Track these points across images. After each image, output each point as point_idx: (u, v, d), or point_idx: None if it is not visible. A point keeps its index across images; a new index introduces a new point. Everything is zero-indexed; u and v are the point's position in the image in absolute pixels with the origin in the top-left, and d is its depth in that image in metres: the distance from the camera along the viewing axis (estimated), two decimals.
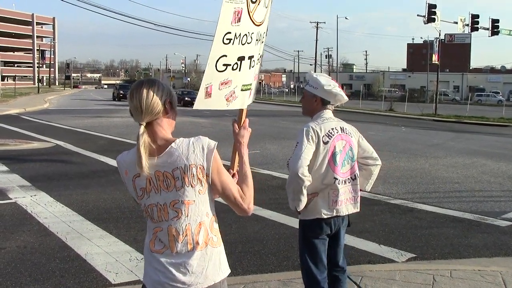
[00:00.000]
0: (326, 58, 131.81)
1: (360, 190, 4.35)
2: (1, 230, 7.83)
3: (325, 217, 4.10)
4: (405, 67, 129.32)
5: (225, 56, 3.08)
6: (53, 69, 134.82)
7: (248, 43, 3.19)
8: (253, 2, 3.15)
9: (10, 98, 56.11)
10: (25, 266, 6.36)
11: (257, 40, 3.29)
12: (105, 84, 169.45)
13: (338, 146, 4.12)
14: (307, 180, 3.92)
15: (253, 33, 3.22)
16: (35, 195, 10.15)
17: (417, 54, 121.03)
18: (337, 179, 4.10)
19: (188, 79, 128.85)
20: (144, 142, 2.58)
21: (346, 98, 4.29)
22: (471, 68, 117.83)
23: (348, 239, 7.65)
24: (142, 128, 2.61)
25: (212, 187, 2.68)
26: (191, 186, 2.60)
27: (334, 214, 4.13)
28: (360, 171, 4.38)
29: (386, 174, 13.60)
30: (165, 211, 2.63)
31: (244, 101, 3.32)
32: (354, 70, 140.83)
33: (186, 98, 55.36)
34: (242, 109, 3.28)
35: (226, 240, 7.39)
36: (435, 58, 47.58)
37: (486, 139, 25.64)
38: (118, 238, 7.55)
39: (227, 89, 3.18)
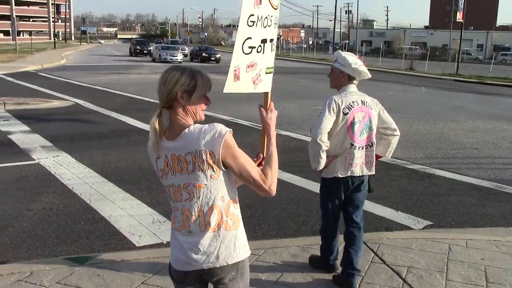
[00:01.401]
0: (346, 13, 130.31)
1: (381, 157, 5.05)
2: (27, 192, 8.01)
3: (341, 176, 4.78)
4: (427, 24, 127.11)
5: (250, 38, 3.13)
6: (68, 24, 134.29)
7: (268, 26, 3.25)
8: None
9: (27, 54, 56.09)
10: (52, 228, 6.55)
11: (274, 24, 3.35)
12: (122, 38, 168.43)
13: (357, 117, 4.70)
14: (325, 145, 4.59)
15: (272, 16, 3.28)
16: (57, 156, 10.32)
17: (440, 11, 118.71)
18: (353, 145, 4.73)
19: (205, 34, 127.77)
20: (153, 124, 2.74)
21: (369, 75, 4.87)
22: (497, 25, 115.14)
23: (366, 205, 7.69)
24: (156, 111, 2.78)
25: (230, 171, 2.77)
26: (202, 171, 2.71)
27: (349, 174, 4.79)
28: (380, 140, 4.97)
29: (405, 138, 13.62)
30: (179, 193, 2.79)
31: (268, 84, 3.39)
32: (375, 27, 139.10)
33: (203, 54, 55.38)
34: (267, 93, 3.35)
35: (246, 204, 7.58)
36: (459, 16, 46.45)
37: (508, 102, 25.44)
38: (140, 201, 7.71)
39: (253, 71, 3.24)
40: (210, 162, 2.69)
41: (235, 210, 2.85)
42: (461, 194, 8.76)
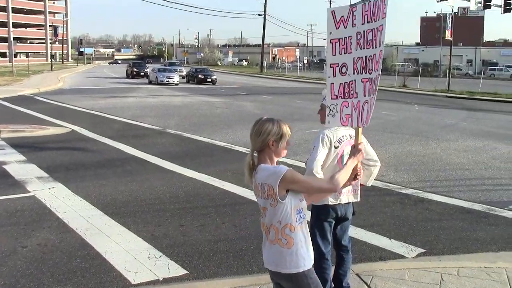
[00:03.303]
0: None
1: (362, 185, 5.43)
2: (21, 227, 8.02)
3: (331, 204, 5.18)
4: (419, 41, 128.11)
5: None
6: (66, 45, 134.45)
7: None
8: None
9: (24, 76, 56.24)
10: (47, 266, 6.57)
11: None
12: (119, 58, 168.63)
13: (346, 150, 5.04)
14: (320, 177, 4.92)
15: None
16: (53, 188, 10.36)
17: (431, 27, 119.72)
18: None
19: (202, 54, 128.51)
20: (245, 162, 3.70)
21: None
22: (484, 41, 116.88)
23: (360, 233, 7.86)
24: (249, 154, 3.71)
25: (288, 202, 3.58)
26: (265, 198, 3.62)
27: (338, 202, 5.21)
28: (363, 170, 5.25)
29: (399, 160, 13.75)
30: (260, 210, 3.73)
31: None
32: None
33: (199, 76, 55.47)
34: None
35: (241, 235, 7.67)
36: (448, 34, 47.57)
37: (498, 119, 25.68)
38: (136, 235, 7.74)
39: None
40: (270, 193, 3.57)
41: (291, 233, 3.62)
42: (453, 219, 8.85)
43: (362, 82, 4.17)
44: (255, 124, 3.70)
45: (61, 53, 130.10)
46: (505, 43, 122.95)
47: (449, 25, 47.59)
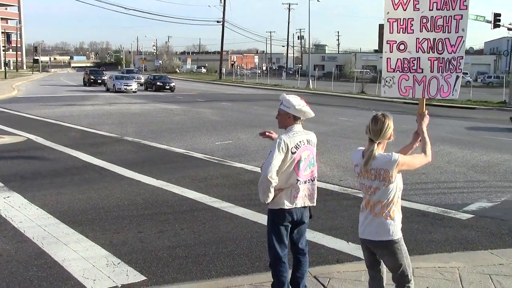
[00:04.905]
0: (298, 39, 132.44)
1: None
2: None
3: (286, 208, 5.21)
4: (377, 48, 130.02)
5: None
6: (20, 53, 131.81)
7: None
8: None
9: None
10: (2, 276, 6.47)
11: None
12: (75, 66, 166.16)
13: (303, 155, 5.19)
14: (274, 182, 5.01)
15: None
16: (8, 197, 10.19)
17: None
18: (299, 180, 5.20)
19: (160, 61, 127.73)
20: (370, 152, 4.41)
21: (313, 114, 5.31)
22: None
23: (318, 237, 7.97)
24: (375, 145, 4.43)
25: (397, 182, 4.42)
26: (379, 180, 4.43)
27: (293, 206, 5.22)
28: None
29: None
30: (365, 189, 4.56)
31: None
32: (326, 51, 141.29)
33: (158, 83, 55.20)
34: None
35: (199, 241, 7.66)
36: None
37: (453, 124, 26.26)
38: (94, 242, 7.70)
39: None
40: (385, 176, 4.38)
41: (394, 207, 4.49)
42: (409, 222, 9.01)
43: (429, 60, 5.05)
44: (381, 121, 4.44)
45: (15, 61, 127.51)
46: None
47: None
